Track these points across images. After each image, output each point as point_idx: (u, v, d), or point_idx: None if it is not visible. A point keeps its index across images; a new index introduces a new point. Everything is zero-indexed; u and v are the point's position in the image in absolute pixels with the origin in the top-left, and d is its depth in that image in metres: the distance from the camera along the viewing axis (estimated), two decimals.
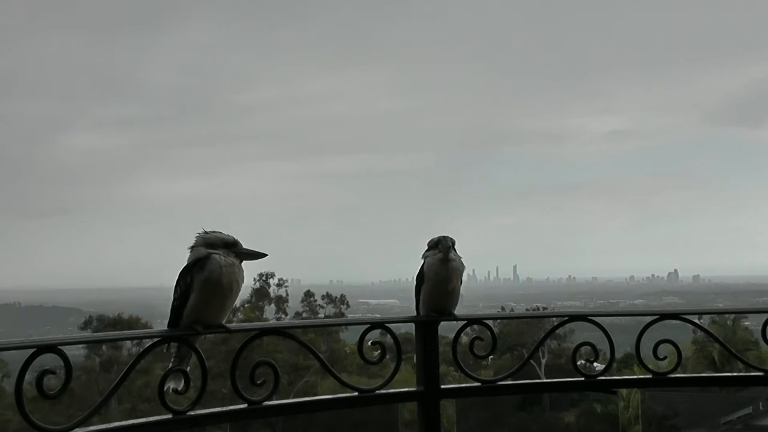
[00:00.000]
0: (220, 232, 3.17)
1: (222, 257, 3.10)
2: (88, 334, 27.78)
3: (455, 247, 3.73)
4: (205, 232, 3.17)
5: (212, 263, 3.08)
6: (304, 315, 34.80)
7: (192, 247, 3.17)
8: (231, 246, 3.15)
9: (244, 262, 3.19)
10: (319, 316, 34.89)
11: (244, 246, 3.21)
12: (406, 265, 3.76)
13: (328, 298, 36.62)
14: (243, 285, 3.17)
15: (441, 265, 3.68)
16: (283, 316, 35.09)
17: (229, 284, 3.09)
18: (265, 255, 3.23)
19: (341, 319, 28.48)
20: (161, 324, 3.41)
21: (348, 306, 37.48)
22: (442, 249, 3.69)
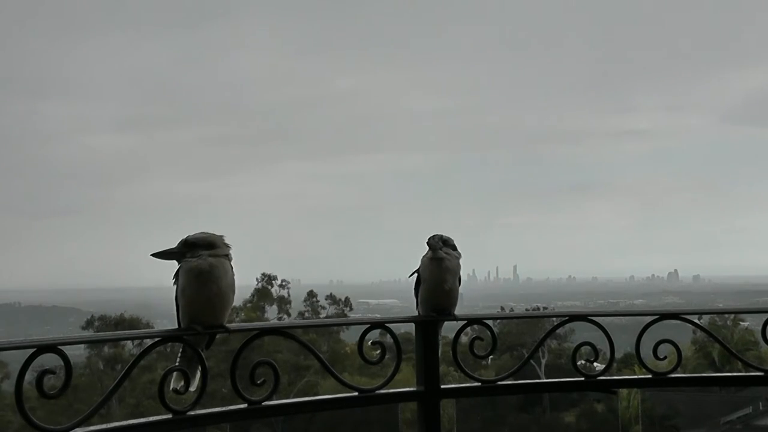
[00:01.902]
0: (201, 234, 3.10)
1: (191, 262, 3.05)
2: (88, 333, 27.78)
3: (455, 245, 3.67)
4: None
5: (183, 270, 3.06)
6: (306, 315, 34.75)
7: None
8: (190, 248, 3.07)
9: (235, 260, 3.13)
10: (321, 316, 34.85)
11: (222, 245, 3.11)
12: (407, 265, 3.73)
13: (332, 299, 36.56)
14: (233, 282, 3.10)
15: (434, 265, 3.63)
16: (285, 316, 35.05)
17: (204, 286, 3.04)
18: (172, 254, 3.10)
19: (341, 319, 28.48)
20: (161, 324, 3.40)
21: (351, 308, 37.43)
22: (430, 247, 3.64)
